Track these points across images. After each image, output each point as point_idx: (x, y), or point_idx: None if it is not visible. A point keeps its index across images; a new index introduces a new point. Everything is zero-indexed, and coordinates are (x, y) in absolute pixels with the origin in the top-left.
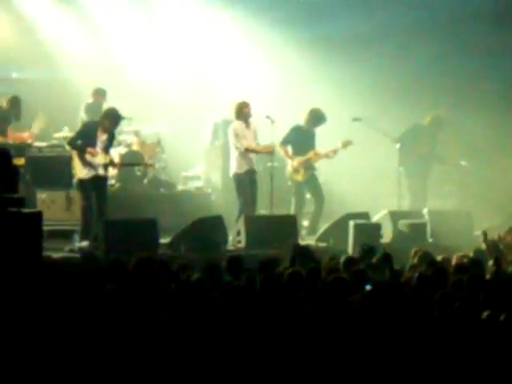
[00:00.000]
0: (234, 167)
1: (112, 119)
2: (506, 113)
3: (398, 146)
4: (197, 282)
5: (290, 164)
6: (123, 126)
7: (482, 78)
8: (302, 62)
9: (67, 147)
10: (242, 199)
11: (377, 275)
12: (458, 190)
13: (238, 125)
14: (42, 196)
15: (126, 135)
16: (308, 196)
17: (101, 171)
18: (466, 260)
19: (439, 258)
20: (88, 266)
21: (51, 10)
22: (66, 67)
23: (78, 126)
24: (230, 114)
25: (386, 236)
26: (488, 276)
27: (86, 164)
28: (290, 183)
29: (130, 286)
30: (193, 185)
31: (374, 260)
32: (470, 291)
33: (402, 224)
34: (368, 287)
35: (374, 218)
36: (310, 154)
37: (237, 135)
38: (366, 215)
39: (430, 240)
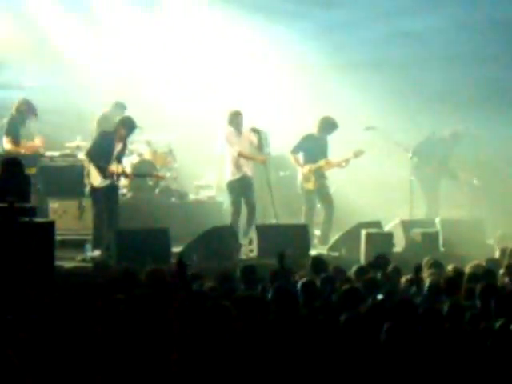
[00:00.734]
0: (228, 174)
1: (128, 127)
2: None
3: (410, 155)
4: (209, 291)
5: (301, 172)
6: (135, 136)
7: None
8: (315, 69)
9: (86, 158)
10: (232, 208)
11: (390, 284)
12: (470, 198)
13: (229, 131)
14: (53, 205)
15: (138, 144)
16: (318, 205)
17: (113, 180)
18: (479, 269)
19: (451, 267)
20: (100, 276)
21: (63, 18)
22: (78, 76)
23: (92, 135)
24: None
25: (398, 245)
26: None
27: (105, 176)
28: (300, 191)
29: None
30: (205, 194)
31: (389, 269)
32: (483, 300)
33: (414, 233)
34: (380, 297)
35: (386, 227)
36: (322, 163)
37: (229, 141)
38: (378, 224)
39: (442, 249)
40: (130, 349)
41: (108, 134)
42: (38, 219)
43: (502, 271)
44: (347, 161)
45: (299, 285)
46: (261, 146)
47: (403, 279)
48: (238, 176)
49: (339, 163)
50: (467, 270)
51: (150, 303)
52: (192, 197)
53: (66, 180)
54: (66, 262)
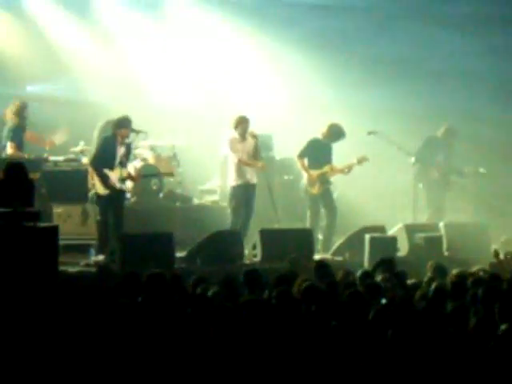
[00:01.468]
0: (230, 180)
1: (125, 125)
2: None
3: (412, 160)
4: (213, 295)
5: (306, 177)
6: (139, 141)
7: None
8: (318, 75)
9: (89, 167)
10: (232, 215)
11: (394, 289)
12: (475, 202)
13: (233, 137)
14: (57, 210)
15: (142, 149)
16: (322, 210)
17: (118, 185)
18: (483, 273)
19: (455, 271)
20: (104, 281)
21: (69, 25)
22: (82, 81)
23: (94, 142)
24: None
25: (402, 249)
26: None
27: (106, 185)
28: (303, 195)
29: (144, 300)
30: (209, 198)
31: (393, 272)
32: (487, 304)
33: (418, 237)
34: (383, 301)
35: (390, 232)
36: (326, 169)
37: (231, 148)
38: (381, 228)
39: (446, 253)
40: (133, 352)
41: (109, 139)
42: (42, 224)
43: None
44: (350, 167)
45: (302, 289)
46: (258, 151)
47: (408, 283)
48: (240, 182)
49: (343, 169)
50: (471, 274)
51: (152, 307)
52: (196, 201)
53: (70, 185)
54: (70, 266)
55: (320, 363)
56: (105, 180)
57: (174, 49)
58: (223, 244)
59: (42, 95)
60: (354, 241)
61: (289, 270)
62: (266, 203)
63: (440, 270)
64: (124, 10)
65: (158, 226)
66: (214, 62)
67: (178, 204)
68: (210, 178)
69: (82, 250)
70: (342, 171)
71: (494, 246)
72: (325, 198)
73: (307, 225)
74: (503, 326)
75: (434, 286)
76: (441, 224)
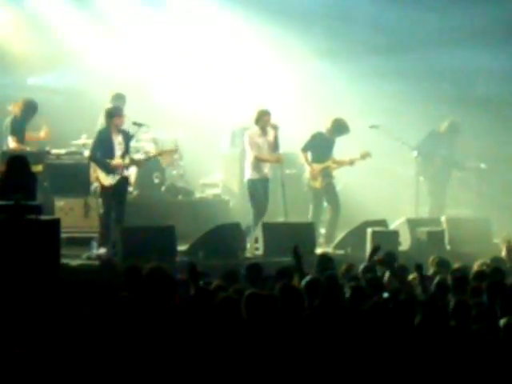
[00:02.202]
0: (247, 174)
1: (119, 113)
2: None
3: (415, 154)
4: (215, 289)
5: (309, 170)
6: (141, 134)
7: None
8: (321, 70)
9: (90, 162)
10: (254, 206)
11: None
12: (476, 196)
13: (252, 132)
14: (60, 203)
15: (144, 142)
16: (325, 204)
17: (124, 173)
18: (485, 267)
19: (457, 265)
20: (106, 274)
21: (70, 16)
22: (84, 74)
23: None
24: (249, 120)
25: (404, 243)
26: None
27: (110, 171)
28: (306, 189)
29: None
30: (211, 192)
31: (396, 266)
32: (490, 298)
33: (420, 231)
34: (386, 295)
35: (392, 226)
36: (329, 162)
37: (250, 143)
38: (383, 223)
39: (448, 247)
40: (134, 346)
41: (103, 131)
42: (44, 217)
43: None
44: (353, 162)
45: (304, 283)
46: (278, 141)
47: (410, 277)
48: (257, 176)
49: (345, 164)
50: (474, 268)
51: (152, 300)
52: (198, 195)
53: (72, 178)
54: (72, 259)
55: (323, 357)
56: (106, 166)
57: (179, 43)
58: (225, 238)
59: (42, 86)
60: (356, 235)
61: (290, 265)
62: (271, 196)
63: (442, 264)
64: (129, 3)
65: (160, 219)
66: (215, 52)
67: (179, 197)
68: (212, 171)
69: (84, 243)
70: (344, 164)
71: (495, 240)
72: (328, 192)
73: (309, 218)
74: (503, 320)
75: (436, 279)
76: (443, 218)
